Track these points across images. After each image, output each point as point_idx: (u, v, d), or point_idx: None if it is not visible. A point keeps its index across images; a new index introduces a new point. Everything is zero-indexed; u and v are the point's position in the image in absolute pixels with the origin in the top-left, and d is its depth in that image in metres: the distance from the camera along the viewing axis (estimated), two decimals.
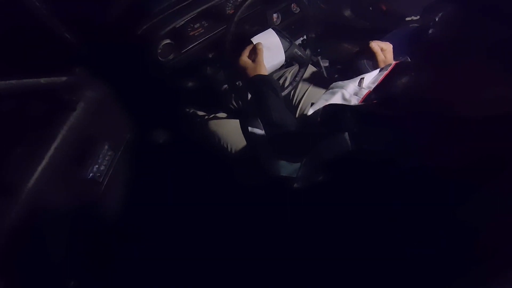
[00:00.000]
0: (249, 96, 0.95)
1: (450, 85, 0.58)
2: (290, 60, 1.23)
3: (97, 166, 1.09)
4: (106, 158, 1.12)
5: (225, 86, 1.34)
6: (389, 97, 0.85)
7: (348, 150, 0.64)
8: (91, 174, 1.06)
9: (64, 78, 0.99)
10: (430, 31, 1.60)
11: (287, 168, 0.70)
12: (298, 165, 0.70)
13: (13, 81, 0.85)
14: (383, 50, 1.05)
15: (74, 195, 1.01)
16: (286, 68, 1.40)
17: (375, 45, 1.04)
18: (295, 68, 1.33)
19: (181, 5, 1.14)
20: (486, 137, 0.52)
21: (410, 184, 0.56)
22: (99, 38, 1.11)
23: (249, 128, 0.80)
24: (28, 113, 0.97)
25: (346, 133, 0.65)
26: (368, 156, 0.62)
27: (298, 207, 0.70)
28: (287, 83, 1.30)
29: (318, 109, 0.92)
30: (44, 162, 0.89)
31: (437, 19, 1.61)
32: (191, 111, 1.34)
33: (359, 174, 0.61)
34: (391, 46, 1.06)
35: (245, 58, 1.03)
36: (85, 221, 1.05)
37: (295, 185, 0.68)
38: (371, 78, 0.99)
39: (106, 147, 1.13)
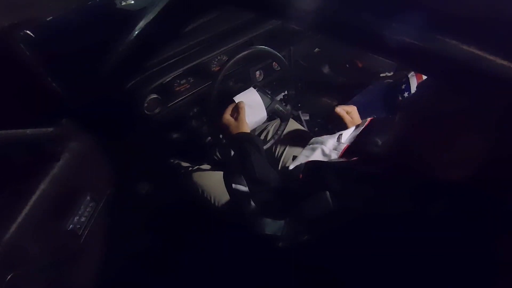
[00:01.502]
0: (232, 152, 0.98)
1: (422, 142, 0.61)
2: (272, 115, 1.28)
3: (77, 217, 1.06)
4: (87, 210, 1.10)
5: (209, 138, 1.37)
6: (368, 153, 0.89)
7: (330, 209, 0.66)
8: (71, 226, 1.04)
9: (50, 129, 1.00)
10: (403, 87, 1.70)
11: (271, 226, 0.72)
12: (282, 223, 0.71)
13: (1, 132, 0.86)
14: (349, 112, 1.12)
15: (51, 248, 0.98)
16: (268, 122, 1.46)
17: (340, 110, 1.12)
18: (277, 122, 1.38)
19: (168, 62, 1.19)
20: (464, 196, 0.54)
21: (393, 242, 0.58)
22: (87, 91, 1.13)
23: (233, 185, 0.82)
24: (12, 164, 0.97)
25: (327, 192, 0.68)
26: (350, 215, 0.64)
27: (284, 267, 0.70)
28: (269, 137, 1.34)
29: (300, 165, 0.95)
30: (23, 213, 0.87)
31: (409, 76, 1.71)
32: (176, 162, 1.35)
33: (342, 233, 0.63)
34: (355, 108, 1.15)
35: (227, 116, 1.07)
36: (62, 276, 1.01)
37: (280, 244, 0.69)
38: (349, 134, 1.04)
39: (88, 198, 1.11)
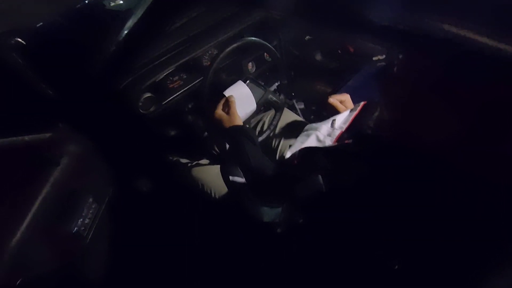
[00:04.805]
0: (227, 146, 0.99)
1: (408, 120, 0.62)
2: (267, 106, 1.28)
3: (81, 219, 1.08)
4: (91, 211, 1.12)
5: (206, 133, 1.38)
6: (361, 135, 0.89)
7: (322, 191, 0.67)
8: (75, 228, 1.05)
9: (48, 135, 1.01)
10: (395, 69, 1.69)
11: (269, 214, 0.73)
12: (279, 209, 0.73)
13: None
14: (342, 101, 1.12)
15: (58, 251, 1.00)
16: (264, 113, 1.46)
17: (333, 100, 1.11)
18: (272, 112, 1.38)
19: (160, 60, 1.20)
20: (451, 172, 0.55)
21: (384, 220, 0.59)
22: (81, 94, 1.14)
23: (230, 177, 0.84)
24: (13, 171, 0.98)
25: (319, 175, 0.69)
26: (342, 196, 0.65)
27: (283, 251, 0.72)
28: (265, 128, 1.35)
29: (295, 152, 0.96)
30: (28, 219, 0.88)
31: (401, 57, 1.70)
32: (174, 159, 1.37)
33: (333, 214, 0.64)
34: (348, 96, 1.14)
35: (219, 111, 1.10)
36: (70, 278, 1.03)
37: (278, 230, 0.71)
38: (342, 119, 1.04)
39: (90, 200, 1.12)
